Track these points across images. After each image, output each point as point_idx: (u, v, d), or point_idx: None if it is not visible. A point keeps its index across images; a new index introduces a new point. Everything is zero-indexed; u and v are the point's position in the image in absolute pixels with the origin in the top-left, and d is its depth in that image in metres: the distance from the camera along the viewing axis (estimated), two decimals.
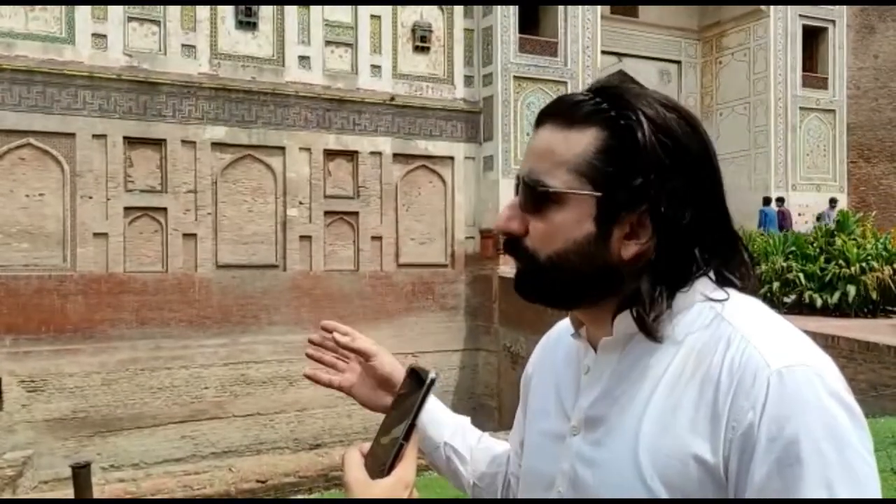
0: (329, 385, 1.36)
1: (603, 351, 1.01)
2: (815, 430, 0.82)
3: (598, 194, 0.94)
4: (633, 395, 0.96)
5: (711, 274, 0.98)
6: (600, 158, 0.94)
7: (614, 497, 0.94)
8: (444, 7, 15.98)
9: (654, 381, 0.94)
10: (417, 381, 0.96)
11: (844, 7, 19.93)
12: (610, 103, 0.96)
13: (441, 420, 1.35)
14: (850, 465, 0.82)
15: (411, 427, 0.93)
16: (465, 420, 1.37)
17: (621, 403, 0.97)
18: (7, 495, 11.07)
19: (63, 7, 12.99)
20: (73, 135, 12.96)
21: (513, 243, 1.01)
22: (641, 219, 0.94)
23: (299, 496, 11.97)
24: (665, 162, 0.93)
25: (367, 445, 0.97)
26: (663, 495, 0.89)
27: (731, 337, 0.91)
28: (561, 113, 0.98)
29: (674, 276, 0.96)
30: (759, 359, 0.87)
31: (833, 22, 19.67)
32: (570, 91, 17.16)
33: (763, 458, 0.83)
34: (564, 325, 1.18)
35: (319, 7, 14.80)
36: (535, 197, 0.96)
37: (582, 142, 0.95)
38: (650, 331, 0.94)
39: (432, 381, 0.95)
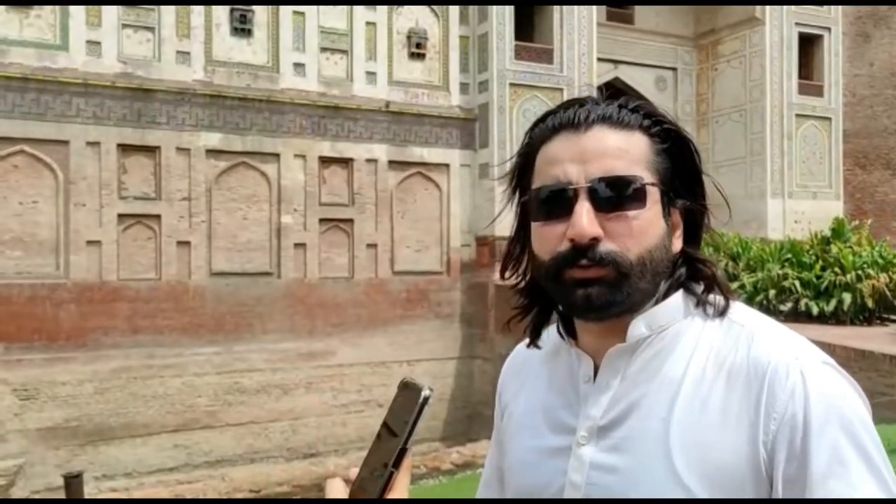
0: None
1: (610, 358, 1.01)
2: (850, 415, 0.90)
3: (664, 189, 0.99)
4: (652, 399, 0.97)
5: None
6: (657, 158, 1.00)
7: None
8: (439, 14, 15.98)
9: (675, 383, 0.96)
10: (410, 398, 0.88)
11: (840, 14, 19.96)
12: (639, 111, 1.01)
13: None
14: (876, 441, 0.90)
15: (402, 451, 0.86)
16: None
17: (640, 407, 0.97)
18: None
19: (57, 14, 12.95)
20: (66, 142, 12.91)
21: (584, 253, 0.96)
22: (676, 214, 1.01)
23: None
24: (698, 162, 1.03)
25: (353, 471, 0.89)
26: (700, 493, 0.91)
27: (750, 336, 0.96)
28: (611, 117, 1.00)
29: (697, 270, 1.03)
30: (785, 354, 0.93)
31: (828, 29, 19.69)
32: (566, 97, 17.06)
33: (819, 444, 0.87)
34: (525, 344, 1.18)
35: (314, 14, 14.79)
36: (628, 193, 0.96)
37: (642, 142, 0.99)
38: (719, 309, 0.99)
39: (426, 399, 0.87)
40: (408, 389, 0.89)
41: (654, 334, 1.00)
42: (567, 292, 0.98)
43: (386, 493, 0.84)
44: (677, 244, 1.02)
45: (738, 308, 1.02)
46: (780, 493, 0.88)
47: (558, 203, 0.98)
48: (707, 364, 0.96)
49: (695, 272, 1.03)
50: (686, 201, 1.02)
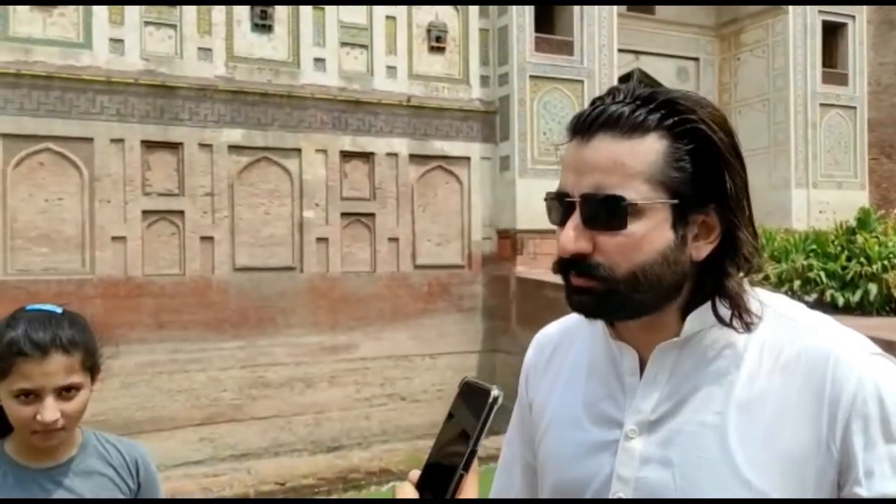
0: None
1: (659, 353, 1.00)
2: None
3: (675, 201, 0.94)
4: (706, 392, 0.97)
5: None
6: (673, 165, 0.94)
7: (709, 493, 0.93)
8: (458, 7, 15.94)
9: (730, 376, 0.96)
10: (475, 401, 0.83)
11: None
12: (663, 108, 0.95)
13: None
14: None
15: (472, 455, 0.82)
16: None
17: (693, 401, 0.97)
18: None
19: (81, 12, 13.06)
20: (91, 139, 13.03)
21: (576, 263, 0.96)
22: (708, 218, 0.97)
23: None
24: (730, 158, 0.96)
25: (415, 473, 0.86)
26: (761, 485, 0.90)
27: (803, 329, 0.97)
28: (616, 123, 0.95)
29: (738, 270, 1.00)
30: (844, 346, 0.93)
31: (853, 17, 19.44)
32: (586, 89, 16.72)
33: None
34: (555, 334, 1.18)
35: (334, 9, 14.81)
36: (611, 212, 0.93)
37: (651, 150, 0.94)
38: (744, 322, 0.97)
39: (495, 400, 0.81)
40: (471, 391, 0.84)
41: (704, 329, 0.99)
42: (567, 294, 1.00)
43: (456, 496, 0.82)
44: (702, 250, 0.98)
45: (783, 301, 1.03)
46: (861, 481, 0.88)
47: (561, 209, 0.98)
48: (762, 358, 0.96)
49: (719, 287, 0.99)
50: (716, 205, 0.96)
